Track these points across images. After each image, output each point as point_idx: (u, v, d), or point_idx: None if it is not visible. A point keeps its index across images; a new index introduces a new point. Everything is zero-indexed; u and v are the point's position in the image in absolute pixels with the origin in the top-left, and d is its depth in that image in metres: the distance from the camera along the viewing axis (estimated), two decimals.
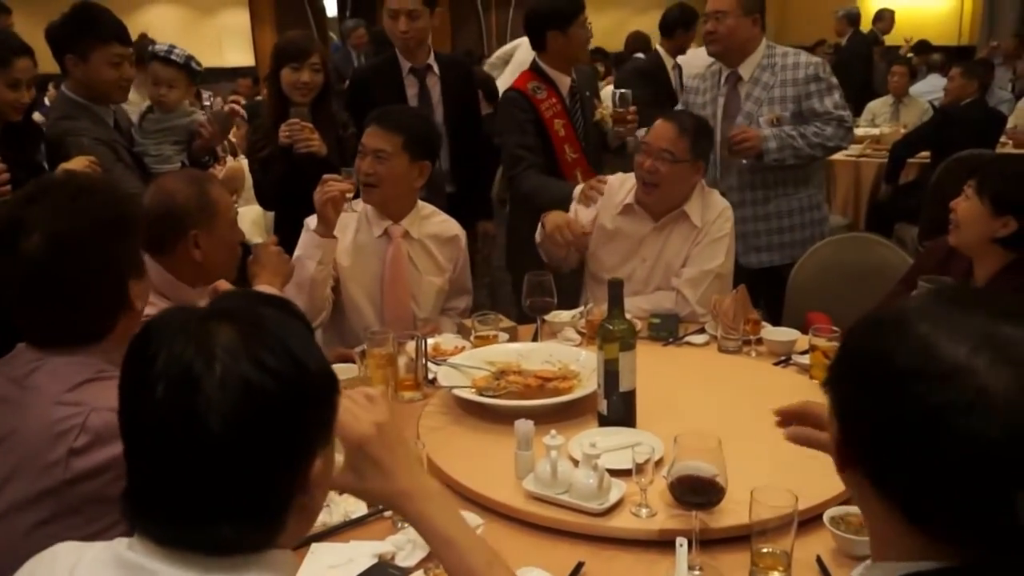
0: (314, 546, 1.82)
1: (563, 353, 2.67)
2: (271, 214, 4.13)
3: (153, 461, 1.08)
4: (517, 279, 3.59)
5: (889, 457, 1.03)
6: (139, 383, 1.08)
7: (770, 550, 1.70)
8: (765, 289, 2.90)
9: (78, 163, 3.06)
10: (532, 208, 3.59)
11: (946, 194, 2.71)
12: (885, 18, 10.85)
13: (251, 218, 4.66)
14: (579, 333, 2.97)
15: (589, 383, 2.38)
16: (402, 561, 1.78)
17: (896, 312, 1.07)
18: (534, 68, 4.00)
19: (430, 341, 2.82)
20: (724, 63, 3.86)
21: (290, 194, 3.57)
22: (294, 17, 13.48)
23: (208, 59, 4.82)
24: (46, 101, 6.08)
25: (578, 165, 3.89)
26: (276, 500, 1.11)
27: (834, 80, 3.81)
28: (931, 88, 8.56)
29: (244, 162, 4.55)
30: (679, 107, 4.01)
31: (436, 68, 4.06)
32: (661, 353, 2.88)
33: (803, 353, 2.71)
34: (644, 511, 1.88)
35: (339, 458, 1.31)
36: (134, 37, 3.54)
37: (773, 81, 3.73)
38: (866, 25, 10.97)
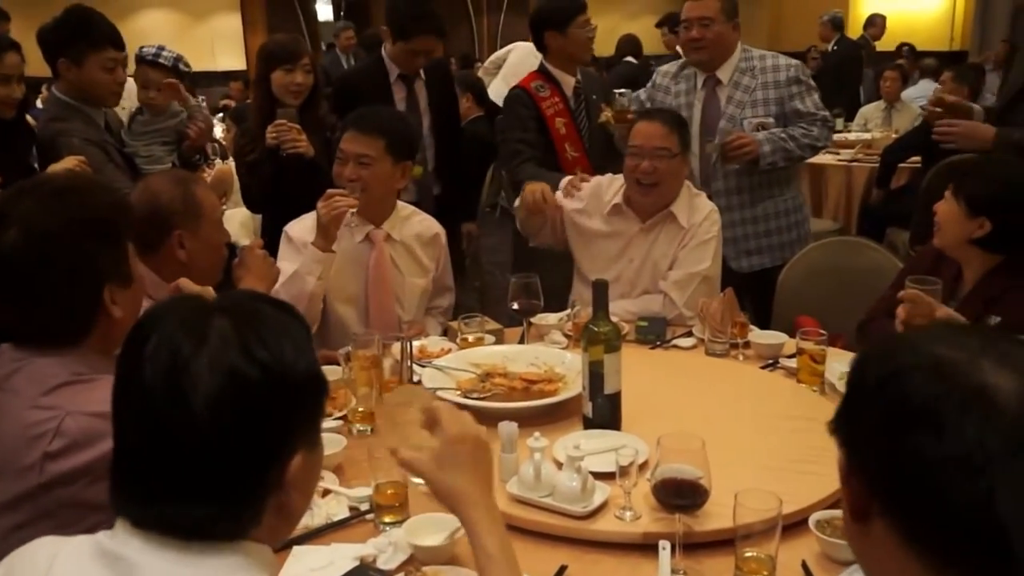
0: (296, 548, 1.80)
1: (549, 355, 2.66)
2: (259, 216, 4.11)
3: (136, 437, 1.12)
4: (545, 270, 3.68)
5: (926, 498, 0.92)
6: (132, 361, 1.12)
7: (754, 554, 1.68)
8: (753, 293, 2.89)
9: (68, 163, 3.06)
10: None
11: (936, 199, 2.71)
12: (877, 23, 10.86)
13: (239, 220, 4.65)
14: (566, 336, 2.95)
15: (574, 386, 2.37)
16: (383, 564, 1.76)
17: (907, 337, 1.02)
18: (541, 68, 4.09)
19: (416, 343, 2.81)
20: (702, 68, 3.84)
21: (278, 196, 3.57)
22: (286, 21, 13.49)
23: (200, 63, 4.83)
24: (38, 103, 6.06)
25: (579, 164, 3.91)
26: (250, 490, 1.12)
27: (812, 81, 3.85)
28: (923, 93, 8.55)
29: (232, 164, 4.53)
30: (647, 105, 3.99)
31: (422, 73, 4.07)
32: (648, 356, 2.86)
33: (790, 357, 2.69)
34: (628, 514, 1.86)
35: (423, 444, 1.51)
36: (127, 40, 3.52)
37: (754, 84, 3.73)
38: (857, 31, 10.99)
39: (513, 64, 9.20)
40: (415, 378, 2.59)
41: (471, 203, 4.64)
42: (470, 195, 4.68)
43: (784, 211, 3.83)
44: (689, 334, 2.98)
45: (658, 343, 2.94)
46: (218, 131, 6.29)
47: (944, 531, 0.92)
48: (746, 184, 3.75)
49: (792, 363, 2.65)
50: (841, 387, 2.43)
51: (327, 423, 2.27)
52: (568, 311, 3.07)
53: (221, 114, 7.45)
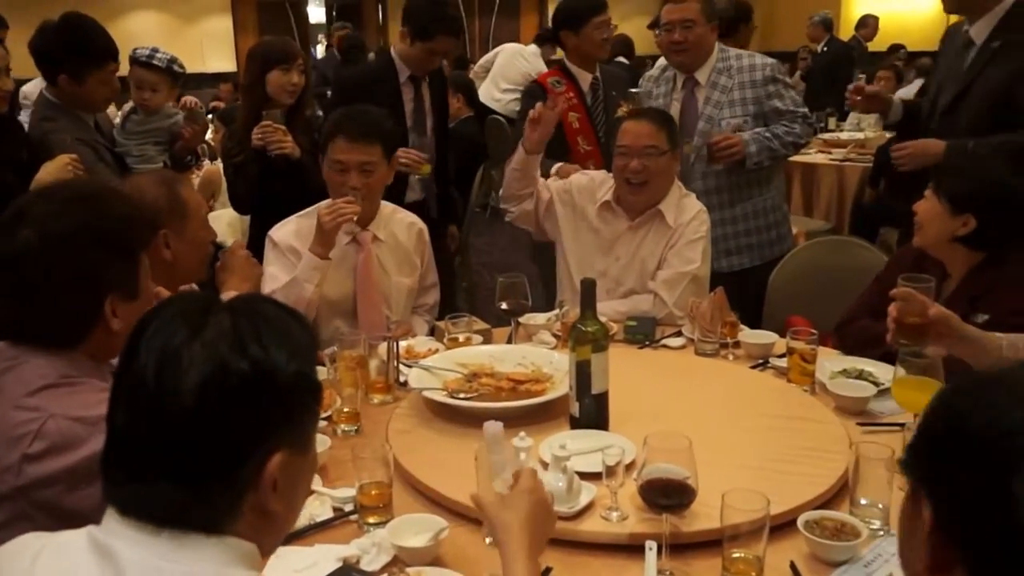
0: (279, 549, 1.77)
1: (536, 355, 2.63)
2: (247, 217, 4.10)
3: (124, 416, 1.14)
4: (545, 272, 3.81)
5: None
6: (132, 344, 1.16)
7: (742, 555, 1.67)
8: (734, 293, 2.88)
9: (59, 161, 3.05)
10: None
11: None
12: (869, 24, 10.84)
13: (226, 221, 4.63)
14: (554, 336, 2.93)
15: (562, 386, 2.35)
16: (367, 565, 1.75)
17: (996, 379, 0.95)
18: (560, 64, 4.26)
19: (403, 344, 2.79)
20: (682, 70, 3.85)
21: (264, 197, 3.57)
22: (277, 24, 13.48)
23: (190, 65, 4.80)
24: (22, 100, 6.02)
25: (591, 157, 4.00)
26: (225, 480, 1.13)
27: (787, 79, 3.91)
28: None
29: (220, 166, 4.53)
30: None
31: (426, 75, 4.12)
32: (637, 356, 2.84)
33: (781, 356, 2.68)
34: (615, 514, 1.84)
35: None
36: (116, 43, 3.50)
37: (731, 84, 3.74)
38: (849, 31, 10.98)
39: (501, 66, 9.29)
40: (401, 378, 2.57)
41: (456, 205, 4.69)
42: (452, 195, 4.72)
43: (763, 210, 3.83)
44: (679, 334, 2.96)
45: (647, 343, 2.92)
46: (207, 133, 6.29)
47: None
48: (725, 184, 3.75)
49: (782, 363, 2.63)
50: (832, 387, 2.43)
51: None
52: (556, 311, 3.05)
53: (210, 116, 7.43)
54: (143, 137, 3.99)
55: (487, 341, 2.87)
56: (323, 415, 2.36)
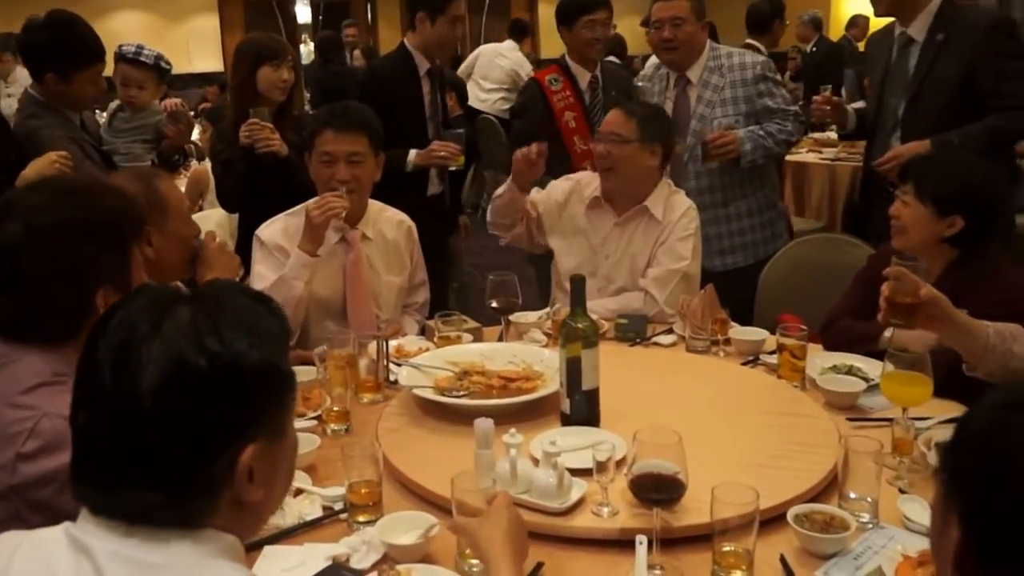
0: (267, 548, 1.78)
1: (527, 353, 2.63)
2: (235, 216, 4.10)
3: (84, 414, 1.13)
4: (539, 271, 3.84)
5: None
6: (93, 337, 1.14)
7: (732, 548, 1.66)
8: (729, 292, 2.89)
9: (47, 158, 3.04)
10: None
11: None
12: (859, 24, 10.85)
13: (215, 220, 4.61)
14: (545, 334, 2.93)
15: (553, 383, 2.34)
16: (357, 563, 1.74)
17: None
18: (560, 61, 4.24)
19: (393, 343, 2.78)
20: (673, 68, 3.87)
21: (252, 195, 3.56)
22: (264, 23, 13.46)
23: (176, 65, 4.79)
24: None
25: (587, 157, 3.95)
26: (196, 480, 1.11)
27: (777, 76, 3.93)
28: None
29: (208, 165, 4.52)
30: None
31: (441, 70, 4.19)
32: (628, 354, 2.84)
33: (771, 353, 2.68)
34: (605, 510, 1.84)
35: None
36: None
37: (722, 83, 3.76)
38: (839, 31, 11.00)
39: (482, 67, 9.34)
40: (392, 377, 2.57)
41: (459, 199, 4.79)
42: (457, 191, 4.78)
43: (757, 209, 3.85)
44: (670, 331, 2.96)
45: (638, 341, 2.91)
46: (194, 132, 6.28)
47: None
48: (718, 183, 3.77)
49: (773, 359, 2.63)
50: (822, 382, 2.43)
51: (301, 423, 2.24)
52: (548, 309, 3.05)
53: (196, 116, 7.42)
54: (130, 135, 3.99)
55: (478, 339, 2.87)
56: (312, 414, 2.36)
